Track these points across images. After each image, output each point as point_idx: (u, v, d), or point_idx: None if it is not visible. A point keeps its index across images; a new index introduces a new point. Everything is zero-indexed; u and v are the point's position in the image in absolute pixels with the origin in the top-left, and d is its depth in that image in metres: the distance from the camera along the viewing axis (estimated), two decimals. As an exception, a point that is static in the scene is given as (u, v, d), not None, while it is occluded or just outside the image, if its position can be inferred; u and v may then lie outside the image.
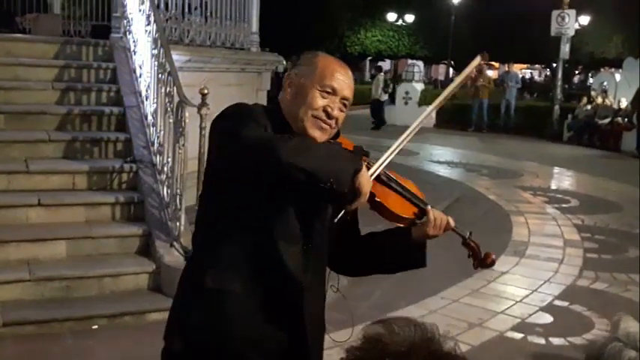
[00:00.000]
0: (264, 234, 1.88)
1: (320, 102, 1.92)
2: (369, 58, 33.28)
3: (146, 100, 5.86)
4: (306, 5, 24.73)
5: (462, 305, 5.08)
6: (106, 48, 6.60)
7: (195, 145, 4.92)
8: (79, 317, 4.26)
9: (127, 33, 6.52)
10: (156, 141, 5.50)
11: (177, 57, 5.73)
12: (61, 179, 5.24)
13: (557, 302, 5.22)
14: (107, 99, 6.15)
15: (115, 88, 6.17)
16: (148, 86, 5.79)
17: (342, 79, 1.96)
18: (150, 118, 5.70)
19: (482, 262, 2.05)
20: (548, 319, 4.88)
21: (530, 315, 4.94)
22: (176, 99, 5.00)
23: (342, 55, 31.17)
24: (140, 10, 6.03)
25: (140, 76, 6.08)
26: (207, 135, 4.76)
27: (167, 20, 6.63)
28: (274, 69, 10.34)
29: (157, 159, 5.40)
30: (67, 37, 8.60)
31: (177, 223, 4.84)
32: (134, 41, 6.31)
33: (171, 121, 5.08)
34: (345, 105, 1.97)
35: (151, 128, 5.65)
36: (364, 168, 1.83)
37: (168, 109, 5.14)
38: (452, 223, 2.02)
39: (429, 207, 2.01)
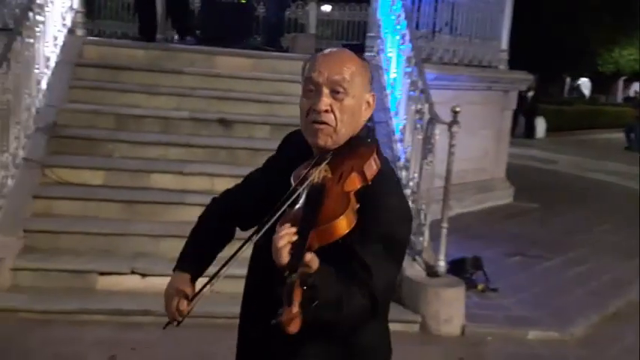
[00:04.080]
0: None
1: (305, 104, 1.66)
2: (623, 78, 30.94)
3: (395, 116, 6.05)
4: (558, 22, 23.56)
5: None
6: (360, 66, 6.91)
7: (441, 161, 4.97)
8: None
9: (380, 52, 6.80)
10: (402, 156, 5.64)
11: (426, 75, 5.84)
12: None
13: None
14: (359, 114, 6.43)
15: (366, 104, 6.44)
16: (399, 103, 5.97)
17: (321, 64, 1.65)
18: (398, 134, 5.87)
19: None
20: None
21: None
22: (426, 116, 5.10)
23: (591, 74, 29.33)
24: (395, 30, 6.24)
25: (391, 93, 6.30)
26: (456, 153, 4.83)
27: (418, 39, 6.80)
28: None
29: (403, 174, 5.53)
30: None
31: (421, 238, 4.91)
32: (387, 60, 6.56)
33: (419, 137, 5.18)
34: (338, 92, 1.63)
35: (398, 144, 5.82)
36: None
37: (418, 125, 5.25)
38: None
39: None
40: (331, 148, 1.65)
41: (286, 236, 1.43)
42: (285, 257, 1.40)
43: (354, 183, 1.57)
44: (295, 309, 1.33)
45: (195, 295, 1.75)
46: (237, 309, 1.89)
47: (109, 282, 4.65)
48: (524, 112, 17.89)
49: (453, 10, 7.84)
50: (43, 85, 5.81)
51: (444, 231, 4.77)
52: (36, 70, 5.62)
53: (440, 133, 4.91)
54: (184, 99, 6.25)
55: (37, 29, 5.58)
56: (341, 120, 1.64)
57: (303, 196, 1.54)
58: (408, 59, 5.76)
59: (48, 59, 5.97)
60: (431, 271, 4.74)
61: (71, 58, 6.33)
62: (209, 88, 6.36)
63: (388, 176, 1.69)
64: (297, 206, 1.53)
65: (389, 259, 1.59)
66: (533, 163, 13.18)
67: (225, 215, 1.92)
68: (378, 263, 1.55)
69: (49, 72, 5.96)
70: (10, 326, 4.17)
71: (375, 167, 1.62)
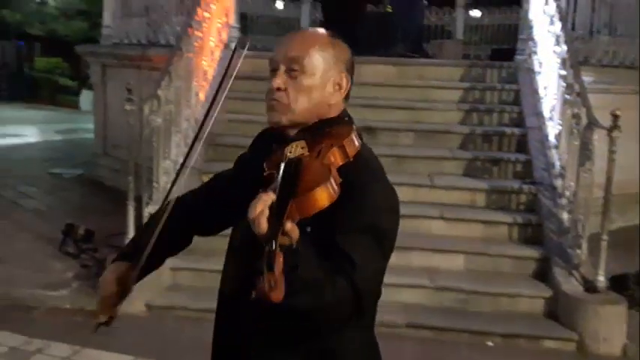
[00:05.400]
0: None
1: (268, 85, 1.60)
2: None
3: (549, 121, 5.79)
4: None
5: None
6: (510, 70, 6.71)
7: (599, 170, 4.68)
8: (475, 331, 4.40)
9: (532, 54, 6.54)
10: (557, 164, 5.38)
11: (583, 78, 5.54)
12: (462, 195, 5.48)
13: None
14: (509, 120, 6.24)
15: (516, 110, 6.23)
16: (553, 108, 5.70)
17: (281, 42, 1.61)
18: (552, 139, 5.61)
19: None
20: None
21: None
22: (584, 121, 4.83)
23: None
24: (549, 32, 5.98)
25: (543, 97, 6.03)
26: (617, 160, 4.53)
27: (573, 41, 6.46)
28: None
29: (558, 182, 5.27)
30: (469, 60, 8.99)
31: (578, 251, 4.65)
32: (539, 63, 6.29)
33: (576, 143, 4.91)
34: (293, 69, 1.56)
35: (553, 150, 5.55)
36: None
37: (574, 131, 4.98)
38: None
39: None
40: (286, 125, 1.57)
41: (262, 202, 1.30)
42: (263, 224, 1.28)
43: (334, 157, 1.48)
44: (277, 273, 1.22)
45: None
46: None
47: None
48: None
49: (612, 9, 7.37)
50: (202, 96, 6.16)
51: (604, 244, 4.48)
52: (194, 83, 5.96)
53: (599, 139, 4.62)
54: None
55: (196, 45, 5.93)
56: (295, 99, 1.56)
57: (280, 171, 1.41)
58: (563, 61, 5.49)
59: (205, 72, 6.31)
60: (589, 287, 4.46)
61: (226, 71, 6.64)
62: (355, 97, 6.38)
63: (371, 163, 1.59)
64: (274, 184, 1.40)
65: (375, 251, 1.47)
66: None
67: (181, 216, 1.76)
68: (362, 254, 1.43)
69: (207, 84, 6.30)
70: (169, 322, 4.47)
71: (356, 144, 1.53)
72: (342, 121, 1.62)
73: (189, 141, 5.64)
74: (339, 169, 1.45)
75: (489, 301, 4.65)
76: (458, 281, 4.76)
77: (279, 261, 1.23)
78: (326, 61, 1.59)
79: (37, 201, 7.44)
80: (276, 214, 1.29)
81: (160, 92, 5.13)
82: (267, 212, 1.29)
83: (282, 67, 1.58)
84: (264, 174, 1.47)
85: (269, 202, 1.31)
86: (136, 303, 4.53)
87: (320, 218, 1.37)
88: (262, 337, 1.54)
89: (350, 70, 1.65)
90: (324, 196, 1.37)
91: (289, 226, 1.28)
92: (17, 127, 14.09)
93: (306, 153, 1.48)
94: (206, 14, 6.21)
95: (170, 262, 4.77)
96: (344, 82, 1.63)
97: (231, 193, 1.69)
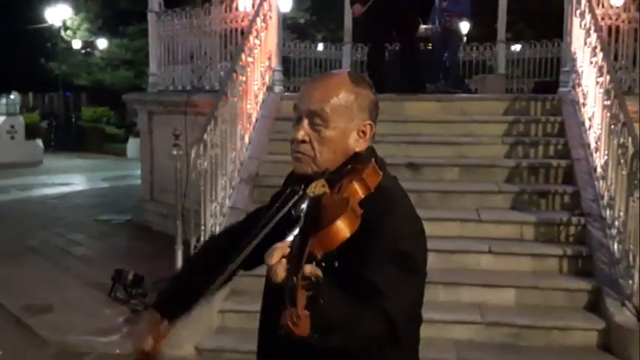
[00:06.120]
0: None
1: (292, 133, 1.61)
2: None
3: (595, 152, 5.72)
4: None
5: None
6: (554, 102, 6.68)
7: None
8: (527, 366, 4.31)
9: (576, 86, 6.51)
10: (606, 194, 5.29)
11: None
12: (510, 229, 5.42)
13: None
14: (554, 152, 6.18)
15: (562, 141, 6.18)
16: (598, 138, 5.64)
17: (305, 91, 1.61)
18: (599, 170, 5.53)
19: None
20: None
21: None
22: (630, 150, 4.76)
23: None
24: (591, 63, 5.95)
25: (589, 128, 5.98)
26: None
27: (617, 71, 6.42)
28: None
29: (607, 213, 5.17)
30: (512, 94, 8.98)
31: (630, 281, 4.53)
32: (583, 94, 6.25)
33: (624, 173, 4.84)
34: (316, 123, 1.57)
35: (600, 181, 5.47)
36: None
37: (621, 160, 4.91)
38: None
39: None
40: (312, 175, 1.58)
41: (279, 250, 1.31)
42: (280, 273, 1.28)
43: (354, 191, 1.49)
44: (300, 308, 1.22)
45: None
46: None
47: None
48: None
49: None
50: (246, 139, 6.28)
51: (656, 273, 4.38)
52: (239, 126, 6.09)
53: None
54: (375, 145, 6.38)
55: (240, 88, 6.08)
56: (320, 151, 1.58)
57: (302, 211, 1.43)
58: (607, 92, 5.44)
59: (250, 115, 6.45)
60: (643, 318, 4.35)
61: (270, 114, 6.78)
62: (398, 134, 6.46)
63: (393, 192, 1.60)
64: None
65: (402, 277, 1.47)
66: None
67: (222, 251, 1.77)
68: (391, 283, 1.43)
69: (250, 127, 6.43)
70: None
71: (377, 174, 1.55)
72: (362, 157, 1.63)
73: (235, 183, 5.78)
74: (361, 201, 1.48)
75: (541, 335, 4.56)
76: (509, 316, 4.68)
77: (301, 297, 1.24)
78: (349, 112, 1.60)
79: (85, 248, 7.60)
80: (296, 255, 1.29)
81: (205, 136, 5.24)
82: (284, 261, 1.30)
83: (305, 119, 1.59)
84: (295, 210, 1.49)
85: (286, 251, 1.31)
86: (185, 346, 4.57)
87: (346, 251, 1.38)
88: None
89: (373, 116, 1.65)
90: (343, 226, 1.37)
91: (309, 269, 1.28)
92: (65, 175, 14.52)
93: (327, 191, 1.51)
94: (249, 59, 6.37)
95: (218, 304, 4.86)
96: (367, 129, 1.64)
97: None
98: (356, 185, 1.51)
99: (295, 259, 1.28)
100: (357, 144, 1.62)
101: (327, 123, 1.57)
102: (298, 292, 1.24)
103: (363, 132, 1.63)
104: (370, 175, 1.54)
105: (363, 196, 1.50)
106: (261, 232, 1.50)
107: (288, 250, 1.31)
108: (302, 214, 1.41)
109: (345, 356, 1.44)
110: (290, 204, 1.48)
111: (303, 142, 1.58)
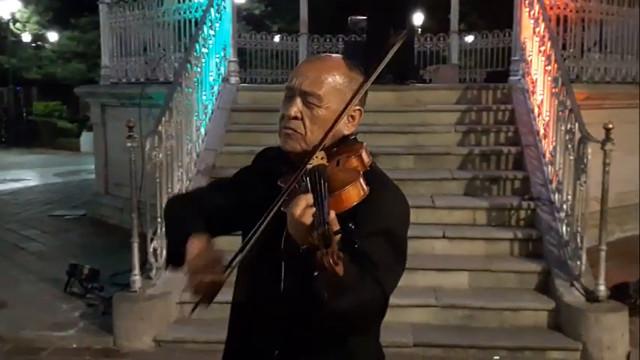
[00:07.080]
0: None
1: (281, 110, 1.63)
2: None
3: (544, 138, 5.88)
4: None
5: None
6: (504, 90, 6.83)
7: (596, 183, 4.75)
8: (482, 346, 4.43)
9: (526, 75, 6.66)
10: (554, 179, 5.46)
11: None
12: (463, 214, 5.55)
13: None
14: (505, 139, 6.34)
15: (512, 129, 6.33)
16: (547, 125, 5.80)
17: (300, 70, 1.64)
18: (548, 156, 5.69)
19: None
20: None
21: None
22: (577, 135, 4.92)
23: None
24: (540, 52, 6.10)
25: (538, 115, 6.14)
26: (613, 174, 4.60)
27: (565, 59, 6.59)
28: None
29: (556, 197, 5.34)
30: (464, 83, 9.13)
31: (578, 262, 4.70)
32: (532, 82, 6.41)
33: (571, 158, 4.99)
34: (310, 101, 1.59)
35: (549, 166, 5.64)
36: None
37: (569, 146, 5.07)
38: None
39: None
40: (301, 152, 1.60)
41: (302, 199, 1.38)
42: (309, 217, 1.34)
43: (354, 164, 1.56)
44: (335, 248, 1.27)
45: (229, 265, 1.50)
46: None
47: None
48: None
49: (602, 28, 7.51)
50: (202, 130, 6.26)
51: (603, 254, 4.54)
52: (195, 117, 6.07)
53: (593, 153, 4.71)
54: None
55: (195, 80, 6.06)
56: (311, 129, 1.60)
57: (305, 179, 1.48)
58: (555, 80, 5.60)
59: (206, 107, 6.43)
60: (591, 297, 4.51)
61: (226, 105, 6.77)
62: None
63: (383, 174, 1.67)
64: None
65: (389, 253, 1.53)
66: None
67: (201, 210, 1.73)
68: (382, 258, 1.49)
69: (206, 118, 6.41)
70: (178, 357, 4.48)
71: (369, 156, 1.62)
72: (350, 140, 1.68)
73: (191, 175, 5.76)
74: None
75: (494, 316, 4.69)
76: (463, 298, 4.80)
77: (335, 238, 1.29)
78: (342, 95, 1.62)
79: (39, 243, 7.46)
80: (321, 202, 1.36)
81: (160, 128, 5.20)
82: (310, 210, 1.36)
83: (299, 97, 1.61)
84: (285, 184, 1.50)
85: (310, 200, 1.38)
86: (143, 339, 4.57)
87: (344, 221, 1.41)
88: (292, 344, 1.58)
89: (362, 103, 1.68)
90: (354, 192, 1.46)
91: (333, 215, 1.35)
92: (17, 171, 14.22)
93: (326, 163, 1.55)
94: (204, 50, 6.35)
95: (176, 295, 4.83)
96: (357, 115, 1.68)
97: (232, 198, 1.74)
98: (354, 160, 1.57)
99: (321, 205, 1.35)
100: (345, 127, 1.66)
101: (321, 102, 1.60)
102: (331, 233, 1.29)
103: (352, 117, 1.67)
104: (365, 154, 1.60)
105: (362, 171, 1.55)
106: (274, 207, 1.48)
107: (311, 199, 1.37)
108: (308, 181, 1.46)
109: (344, 322, 1.46)
110: (298, 175, 1.49)
111: (295, 118, 1.60)
